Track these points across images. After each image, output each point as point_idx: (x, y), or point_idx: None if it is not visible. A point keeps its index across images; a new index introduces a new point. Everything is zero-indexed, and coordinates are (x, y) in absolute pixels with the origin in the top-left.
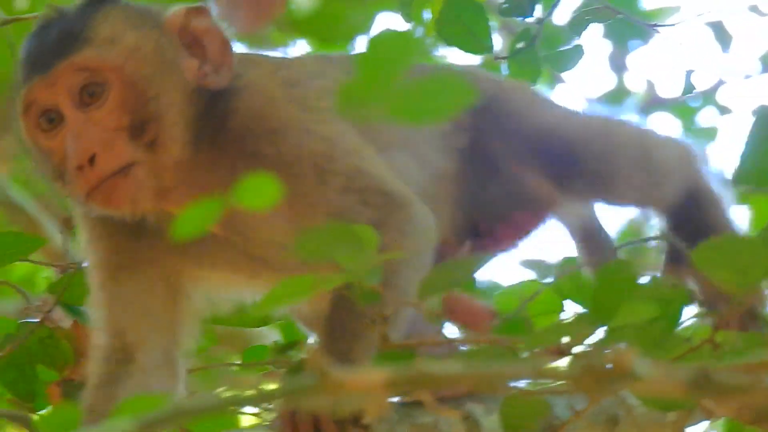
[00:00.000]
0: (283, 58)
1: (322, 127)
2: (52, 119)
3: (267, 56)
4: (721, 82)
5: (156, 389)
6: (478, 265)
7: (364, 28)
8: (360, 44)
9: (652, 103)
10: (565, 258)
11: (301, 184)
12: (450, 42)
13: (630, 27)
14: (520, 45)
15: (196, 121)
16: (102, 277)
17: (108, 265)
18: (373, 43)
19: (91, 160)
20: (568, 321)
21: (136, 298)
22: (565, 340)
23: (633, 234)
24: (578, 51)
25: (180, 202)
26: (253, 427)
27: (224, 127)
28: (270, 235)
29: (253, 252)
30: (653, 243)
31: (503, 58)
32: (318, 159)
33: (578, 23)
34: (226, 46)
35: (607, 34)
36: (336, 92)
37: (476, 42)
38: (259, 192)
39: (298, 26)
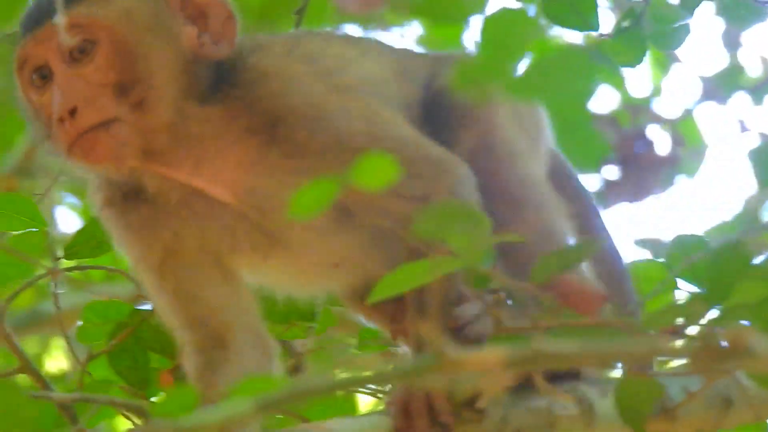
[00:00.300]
0: (296, 34)
1: (355, 103)
2: (44, 76)
3: (279, 35)
4: None
5: (255, 370)
6: (591, 249)
7: (479, 8)
8: (474, 24)
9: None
10: (678, 236)
11: (341, 166)
12: (555, 20)
13: (744, 4)
14: (625, 24)
15: (192, 88)
16: (152, 275)
17: (150, 261)
18: (489, 22)
19: (72, 112)
20: (682, 301)
21: (198, 286)
22: (680, 320)
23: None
24: (685, 29)
25: (175, 169)
26: (369, 411)
27: (229, 97)
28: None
29: (270, 229)
30: None
31: (607, 36)
32: (360, 139)
33: (690, 1)
34: (229, 18)
35: (720, 12)
36: (357, 69)
37: (581, 19)
38: (376, 172)
39: (411, 6)
